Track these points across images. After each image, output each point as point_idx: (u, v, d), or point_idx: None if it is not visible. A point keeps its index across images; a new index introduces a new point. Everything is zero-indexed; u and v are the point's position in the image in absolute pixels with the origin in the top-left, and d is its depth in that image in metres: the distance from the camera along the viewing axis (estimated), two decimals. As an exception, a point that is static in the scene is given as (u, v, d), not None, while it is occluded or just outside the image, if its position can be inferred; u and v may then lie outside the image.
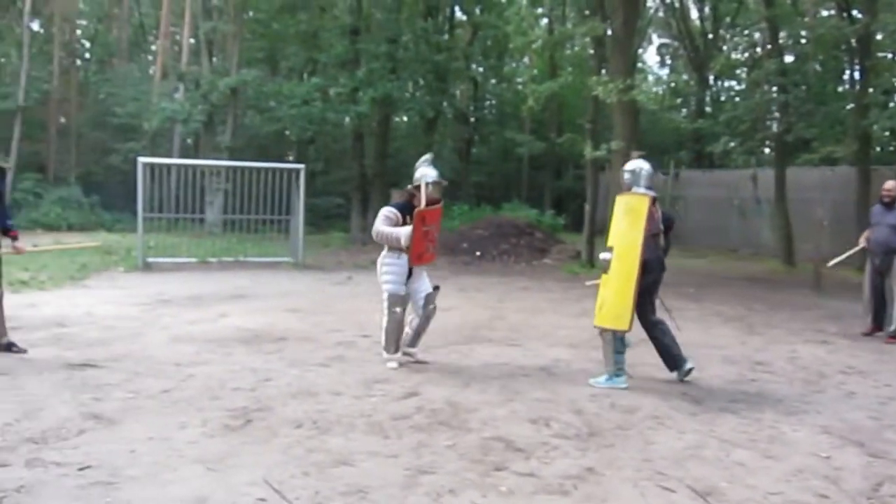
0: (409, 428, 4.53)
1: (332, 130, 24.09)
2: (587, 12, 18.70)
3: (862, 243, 8.25)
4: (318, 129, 22.46)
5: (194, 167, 15.78)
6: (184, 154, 24.67)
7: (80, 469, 3.75)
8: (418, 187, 6.09)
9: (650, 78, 33.51)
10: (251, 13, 26.26)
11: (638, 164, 5.84)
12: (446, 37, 24.99)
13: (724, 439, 4.40)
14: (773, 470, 3.91)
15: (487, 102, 33.01)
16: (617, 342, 5.52)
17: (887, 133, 18.94)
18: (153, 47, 37.90)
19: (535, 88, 16.00)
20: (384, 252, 6.06)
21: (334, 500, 3.45)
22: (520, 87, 32.45)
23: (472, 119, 30.66)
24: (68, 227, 22.43)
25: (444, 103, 24.25)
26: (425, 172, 6.14)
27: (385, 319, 6.06)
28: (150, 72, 32.29)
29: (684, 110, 31.55)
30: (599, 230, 15.71)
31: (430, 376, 5.86)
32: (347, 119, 21.28)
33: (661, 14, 30.87)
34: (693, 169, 25.19)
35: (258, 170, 15.18)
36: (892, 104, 17.32)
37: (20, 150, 26.63)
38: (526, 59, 31.71)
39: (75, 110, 32.33)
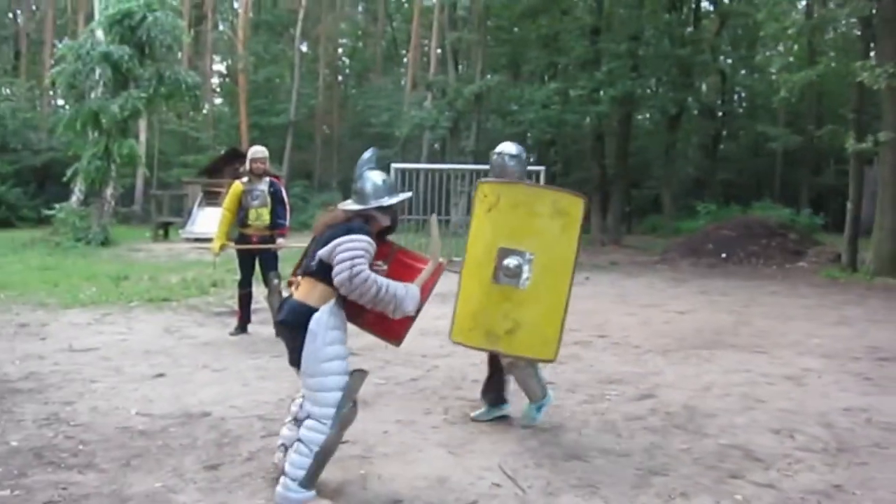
0: (643, 429, 4.53)
1: (571, 131, 24.21)
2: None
3: None
4: (557, 130, 22.69)
5: (441, 171, 16.68)
6: (431, 159, 26.13)
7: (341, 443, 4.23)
8: (380, 208, 3.56)
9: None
10: (494, 20, 27.12)
11: (515, 149, 4.64)
12: (691, 29, 24.08)
13: None
14: None
15: (736, 95, 31.26)
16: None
17: None
18: (405, 60, 40.59)
19: (787, 78, 14.91)
20: (328, 306, 3.34)
21: (565, 492, 3.57)
22: (773, 76, 30.39)
23: (720, 113, 29.21)
24: (330, 228, 24.59)
25: (689, 98, 23.40)
26: (375, 184, 3.57)
27: (327, 427, 3.32)
28: (402, 83, 34.63)
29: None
30: (866, 231, 14.33)
31: (666, 379, 5.78)
32: (587, 119, 21.27)
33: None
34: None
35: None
36: None
37: (291, 159, 29.78)
38: (780, 47, 29.60)
39: (337, 122, 35.55)
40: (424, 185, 16.39)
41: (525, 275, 4.15)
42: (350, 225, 3.42)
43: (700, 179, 30.03)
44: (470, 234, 4.33)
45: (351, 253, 3.27)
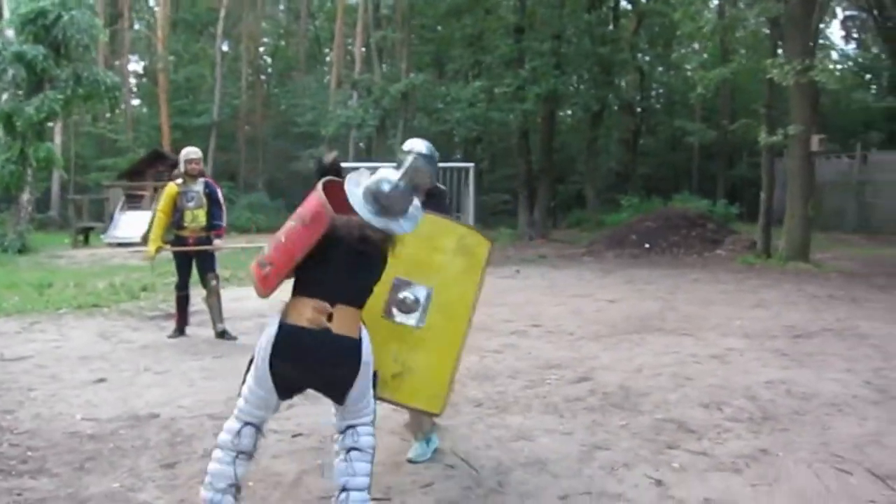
0: (583, 409, 4.77)
1: (497, 129, 24.60)
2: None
3: None
4: (483, 128, 23.01)
5: (371, 170, 16.72)
6: (358, 158, 26.11)
7: (294, 436, 4.33)
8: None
9: (834, 55, 31.39)
10: (418, 19, 27.27)
11: (426, 149, 3.89)
12: (611, 28, 24.76)
13: (910, 428, 4.31)
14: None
15: (654, 92, 32.27)
16: None
17: None
18: (328, 59, 40.33)
19: (703, 75, 15.57)
20: (364, 330, 3.11)
21: (515, 470, 3.77)
22: (689, 73, 31.52)
23: (639, 109, 30.11)
24: (257, 230, 24.35)
25: (610, 95, 24.07)
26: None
27: (373, 427, 3.22)
28: (325, 81, 34.42)
29: (874, 87, 29.29)
30: (777, 219, 15.09)
31: (601, 362, 6.06)
32: (513, 117, 21.66)
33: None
34: (885, 151, 23.34)
35: (430, 170, 15.86)
36: None
37: (215, 160, 29.28)
38: (696, 45, 30.71)
39: (261, 122, 35.08)
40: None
41: (420, 313, 3.62)
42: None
43: (622, 173, 30.90)
44: None
45: None
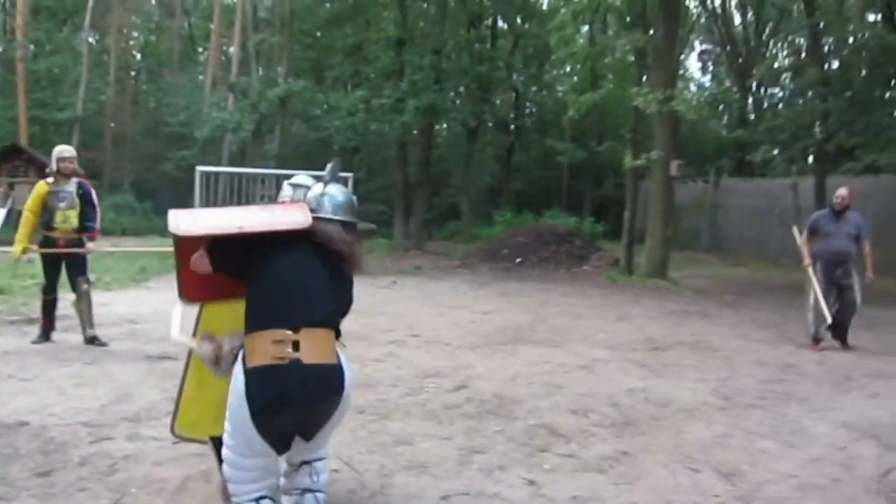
0: (461, 415, 5.00)
1: (375, 139, 24.72)
2: (628, 19, 19.05)
3: (808, 261, 7.93)
4: (362, 138, 23.08)
5: (249, 175, 16.45)
6: (232, 162, 25.51)
7: (175, 443, 4.28)
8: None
9: (692, 87, 33.62)
10: (298, 25, 27.01)
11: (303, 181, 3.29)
12: (488, 46, 25.49)
13: (749, 431, 4.80)
14: (793, 457, 4.30)
15: (528, 110, 33.39)
16: None
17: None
18: (201, 58, 39.17)
19: (575, 98, 16.39)
20: (342, 354, 2.88)
21: (398, 473, 3.93)
22: (560, 94, 32.84)
23: (513, 127, 31.08)
24: (122, 232, 23.25)
25: (486, 112, 24.75)
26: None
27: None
28: (199, 81, 33.44)
29: (726, 118, 31.59)
30: (639, 238, 16.05)
31: (477, 371, 6.32)
32: (389, 128, 21.86)
33: (703, 20, 30.94)
34: (734, 177, 25.26)
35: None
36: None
37: (78, 158, 27.75)
38: (567, 67, 32.08)
39: (130, 120, 33.59)
40: (223, 189, 15.91)
41: None
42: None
43: (495, 188, 31.74)
44: (202, 315, 3.53)
45: None
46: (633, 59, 19.51)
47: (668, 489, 3.78)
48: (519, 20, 27.50)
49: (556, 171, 31.52)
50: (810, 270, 7.96)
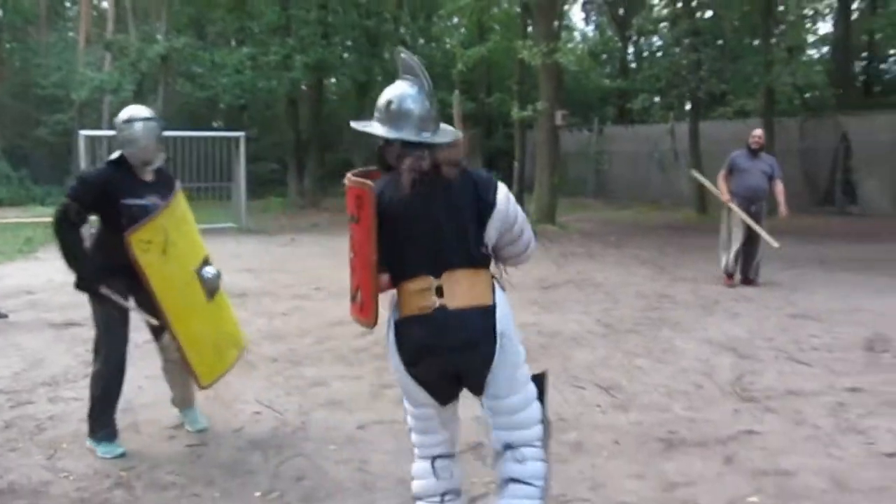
0: (370, 357, 5.37)
1: (265, 97, 24.31)
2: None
3: (727, 197, 8.20)
4: (251, 96, 22.70)
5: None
6: (113, 125, 24.56)
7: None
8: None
9: (576, 35, 34.51)
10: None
11: (148, 111, 3.87)
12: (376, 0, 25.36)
13: (627, 352, 5.41)
14: (664, 371, 4.92)
15: (417, 64, 33.42)
16: None
17: (788, 87, 20.33)
18: (69, 13, 37.03)
19: (463, 52, 16.73)
20: (500, 293, 2.61)
21: (316, 410, 4.28)
22: (448, 47, 33.06)
23: (402, 80, 31.12)
24: (-1, 203, 22.16)
25: (376, 66, 24.73)
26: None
27: (542, 451, 2.64)
28: (71, 36, 31.68)
29: (608, 68, 32.70)
30: (528, 186, 16.71)
31: (380, 317, 6.68)
32: (278, 84, 21.54)
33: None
34: (617, 125, 26.35)
35: (197, 139, 15.56)
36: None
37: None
38: (455, 19, 32.29)
39: (-4, 82, 31.55)
40: (108, 153, 15.51)
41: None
42: (481, 172, 2.58)
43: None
44: (156, 288, 3.61)
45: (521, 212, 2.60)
46: (518, 10, 20.03)
47: (557, 404, 4.27)
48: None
49: (448, 123, 31.90)
50: (731, 204, 8.23)
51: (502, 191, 2.50)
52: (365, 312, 2.52)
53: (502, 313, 2.46)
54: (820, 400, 4.38)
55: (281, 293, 7.98)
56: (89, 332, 6.14)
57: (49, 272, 9.58)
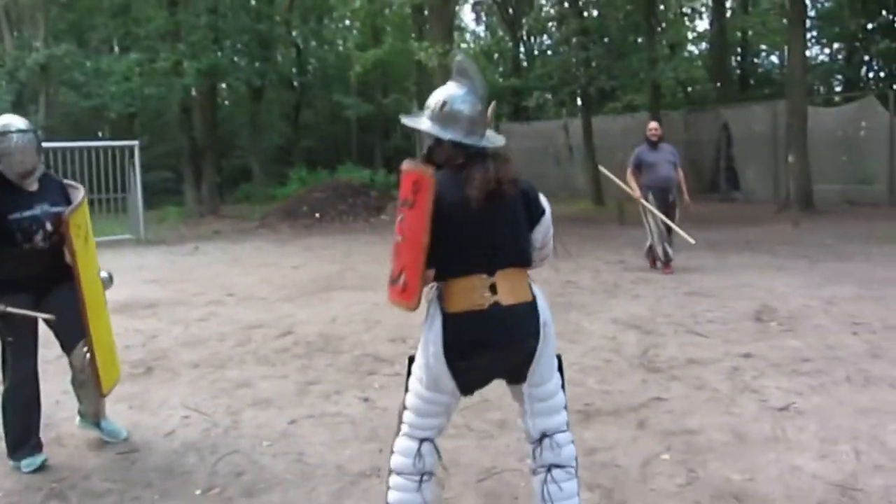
0: (292, 357, 5.44)
1: (156, 104, 23.61)
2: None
3: (638, 194, 8.38)
4: (141, 104, 22.03)
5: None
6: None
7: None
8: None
9: (468, 37, 35.07)
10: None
11: (24, 123, 3.71)
12: (266, 4, 25.04)
13: (541, 336, 5.67)
14: (575, 349, 5.21)
15: (311, 67, 33.23)
16: None
17: (671, 82, 21.41)
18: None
19: (360, 55, 16.82)
20: (537, 288, 2.73)
21: (245, 410, 4.33)
22: (341, 49, 32.97)
23: (298, 84, 30.87)
24: None
25: (269, 70, 24.41)
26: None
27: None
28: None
29: (501, 67, 33.38)
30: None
31: (299, 318, 6.75)
32: (165, 91, 20.94)
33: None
34: (512, 122, 26.99)
35: (87, 149, 15.03)
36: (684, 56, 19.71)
37: None
38: (347, 21, 32.24)
39: None
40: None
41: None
42: (524, 181, 2.68)
43: (284, 147, 31.52)
44: (81, 275, 3.57)
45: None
46: (409, 10, 20.25)
47: (480, 388, 4.50)
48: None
49: (345, 126, 31.85)
50: (644, 201, 8.40)
51: (545, 199, 2.72)
52: (408, 294, 2.57)
53: (542, 305, 2.63)
54: (718, 366, 4.78)
55: (193, 301, 7.88)
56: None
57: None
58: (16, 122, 3.68)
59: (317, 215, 17.75)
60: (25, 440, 3.67)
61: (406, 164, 2.59)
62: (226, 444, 3.84)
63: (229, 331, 6.38)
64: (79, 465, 3.70)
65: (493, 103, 2.78)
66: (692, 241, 8.23)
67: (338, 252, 11.93)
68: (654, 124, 8.89)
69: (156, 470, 3.57)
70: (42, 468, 3.61)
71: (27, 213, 3.57)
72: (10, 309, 3.53)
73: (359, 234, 14.97)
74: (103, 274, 3.91)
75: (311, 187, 19.91)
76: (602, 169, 9.70)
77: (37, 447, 3.69)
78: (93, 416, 4.00)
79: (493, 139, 2.71)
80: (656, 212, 8.35)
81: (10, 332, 3.61)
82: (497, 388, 4.47)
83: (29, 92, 24.19)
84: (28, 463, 3.63)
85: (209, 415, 4.26)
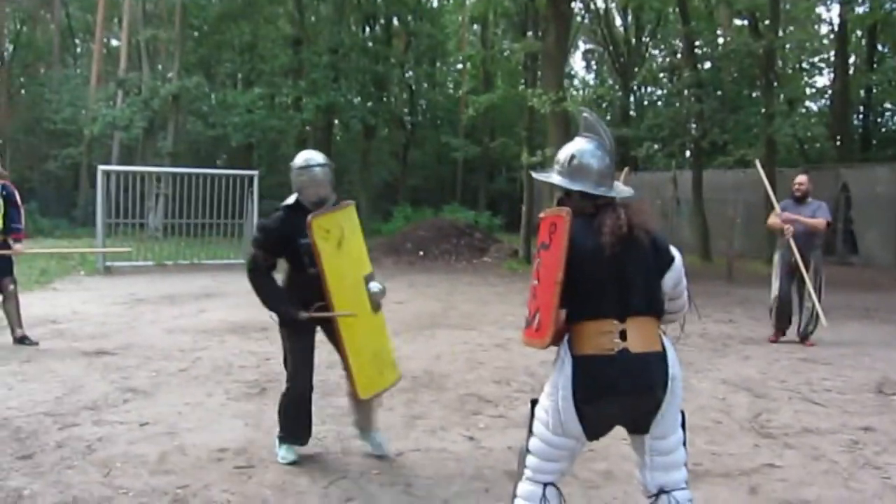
0: (398, 390, 5.50)
1: (275, 136, 24.75)
2: (515, 18, 20.01)
3: (788, 234, 7.55)
4: (262, 135, 23.14)
5: (146, 174, 16.31)
6: (122, 160, 24.90)
7: (142, 425, 4.67)
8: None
9: (576, 83, 35.19)
10: (190, 20, 26.62)
11: (322, 157, 4.19)
12: (385, 45, 25.99)
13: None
14: (684, 407, 5.09)
15: (422, 107, 34.08)
16: None
17: (789, 138, 20.83)
18: (78, 51, 37.70)
19: (475, 99, 17.16)
20: (667, 339, 2.75)
21: (354, 439, 4.46)
22: (450, 91, 33.68)
23: (409, 124, 31.70)
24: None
25: (382, 109, 25.24)
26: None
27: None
28: (77, 74, 32.17)
29: (609, 115, 33.29)
30: (535, 230, 17.00)
31: (404, 353, 6.87)
32: (286, 125, 21.92)
33: (586, 20, 32.32)
34: (618, 171, 26.73)
35: (212, 176, 15.87)
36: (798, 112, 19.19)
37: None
38: (459, 65, 32.99)
39: (6, 115, 31.98)
40: (116, 188, 15.54)
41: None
42: (655, 230, 2.72)
43: (391, 184, 32.32)
44: (328, 277, 3.81)
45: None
46: (523, 58, 20.56)
47: (585, 437, 4.48)
48: (410, 19, 28.10)
49: (451, 167, 32.37)
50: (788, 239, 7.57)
51: (676, 250, 2.74)
52: (541, 332, 2.64)
53: (672, 357, 2.64)
54: (835, 437, 4.59)
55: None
56: (122, 361, 6.39)
57: (71, 302, 9.82)
58: (316, 157, 4.12)
59: (420, 253, 18.08)
60: (293, 433, 4.12)
61: (544, 212, 2.72)
62: (336, 470, 3.98)
63: (337, 359, 6.55)
64: (200, 474, 3.90)
65: (627, 168, 2.88)
66: (825, 322, 7.50)
67: (441, 290, 12.11)
68: (801, 178, 7.98)
69: (271, 487, 3.74)
70: (295, 463, 4.04)
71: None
72: (303, 314, 3.92)
73: (461, 273, 15.14)
74: (377, 285, 4.18)
75: (416, 224, 20.32)
76: (758, 164, 8.87)
77: (301, 440, 4.13)
78: (361, 426, 4.29)
79: (622, 190, 2.79)
80: (805, 275, 7.54)
81: (295, 346, 4.10)
82: (603, 439, 4.46)
83: (160, 120, 25.80)
84: (284, 455, 4.09)
85: (320, 439, 4.42)
